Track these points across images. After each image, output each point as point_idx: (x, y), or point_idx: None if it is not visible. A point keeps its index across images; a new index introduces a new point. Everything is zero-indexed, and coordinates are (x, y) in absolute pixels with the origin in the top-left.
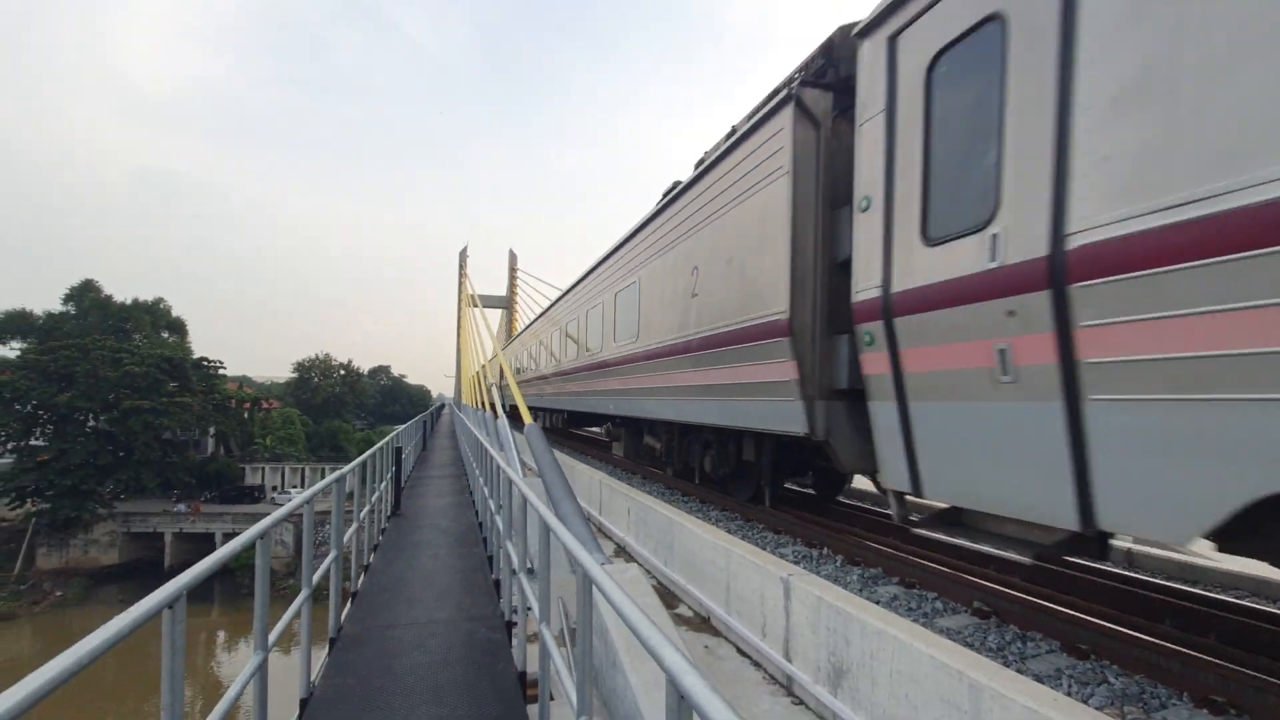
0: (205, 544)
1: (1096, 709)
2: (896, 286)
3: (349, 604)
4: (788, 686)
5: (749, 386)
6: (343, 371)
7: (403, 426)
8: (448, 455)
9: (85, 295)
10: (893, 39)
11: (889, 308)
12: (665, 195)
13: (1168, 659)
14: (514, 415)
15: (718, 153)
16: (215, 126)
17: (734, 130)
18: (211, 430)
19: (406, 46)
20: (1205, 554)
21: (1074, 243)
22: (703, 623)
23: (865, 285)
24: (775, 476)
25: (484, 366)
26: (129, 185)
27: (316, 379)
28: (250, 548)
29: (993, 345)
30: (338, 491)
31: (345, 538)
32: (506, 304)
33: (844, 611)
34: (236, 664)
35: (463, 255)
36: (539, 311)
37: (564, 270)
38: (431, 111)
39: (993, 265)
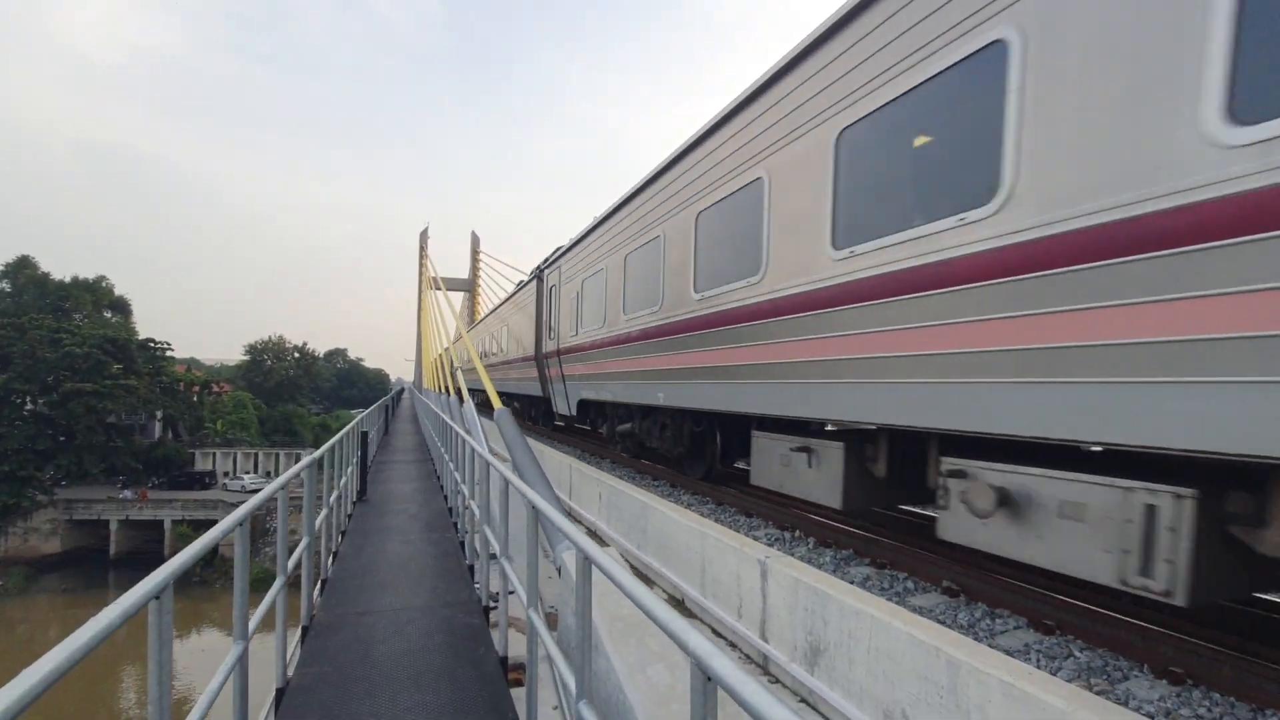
0: (153, 532)
1: (1064, 681)
2: (561, 346)
3: (319, 591)
4: (764, 666)
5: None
6: (297, 354)
7: (365, 411)
8: (411, 440)
9: (21, 272)
10: (541, 272)
11: (559, 350)
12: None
13: (1129, 633)
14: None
15: (515, 289)
16: (166, 98)
17: (521, 283)
18: (159, 414)
19: (372, 21)
20: None
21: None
22: (677, 605)
23: (549, 343)
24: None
25: (447, 350)
26: (71, 157)
27: (270, 362)
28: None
29: (580, 364)
30: (309, 477)
31: (316, 523)
32: (469, 287)
33: (822, 592)
34: (189, 649)
35: (423, 236)
36: (505, 295)
37: (528, 253)
38: (397, 90)
39: (559, 346)
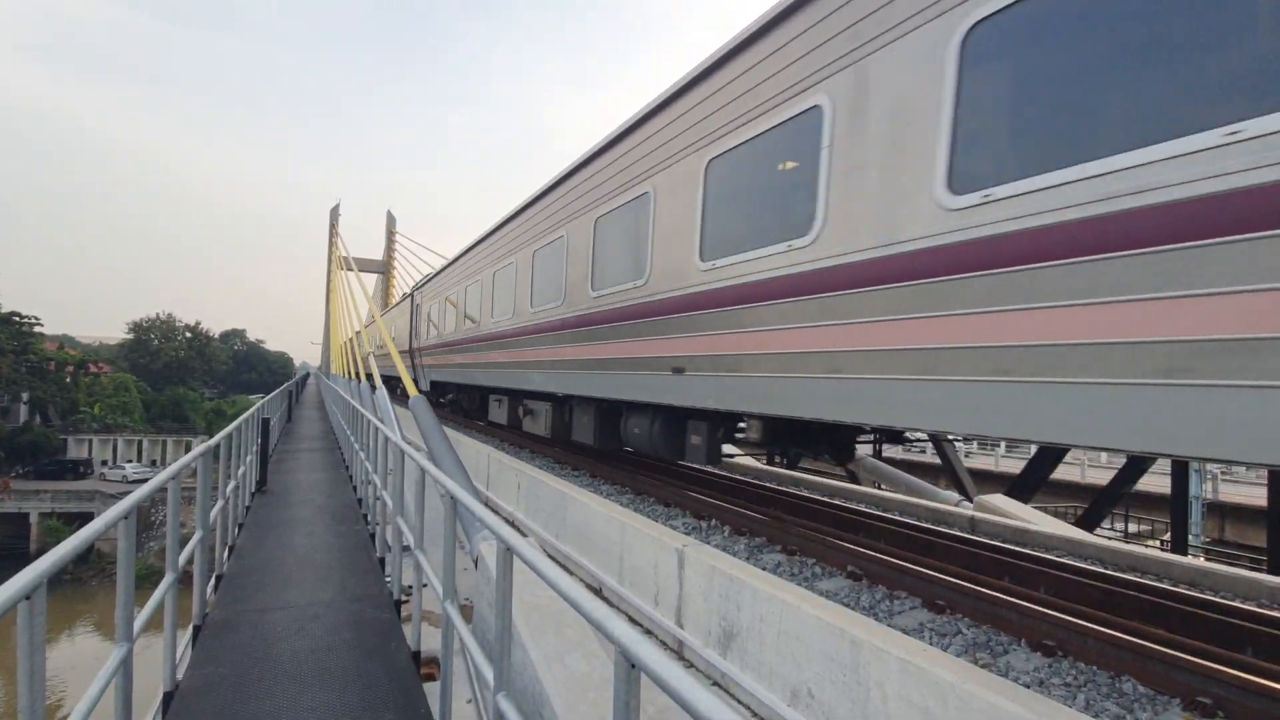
0: (17, 525)
1: (953, 657)
2: (421, 345)
3: (214, 588)
4: (679, 651)
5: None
6: (189, 334)
7: (266, 397)
8: (317, 428)
9: None
10: (415, 292)
11: (420, 347)
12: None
13: (1008, 611)
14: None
15: (401, 299)
16: (37, 43)
17: (401, 298)
18: (25, 396)
19: None
20: (1031, 520)
21: (422, 344)
22: (595, 593)
23: (415, 342)
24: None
25: (358, 333)
26: None
27: (157, 341)
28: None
29: (430, 358)
30: (204, 466)
31: (211, 515)
32: (384, 269)
33: (736, 579)
34: (59, 651)
35: (334, 213)
36: (408, 289)
37: (448, 238)
38: (313, 59)
39: (420, 345)
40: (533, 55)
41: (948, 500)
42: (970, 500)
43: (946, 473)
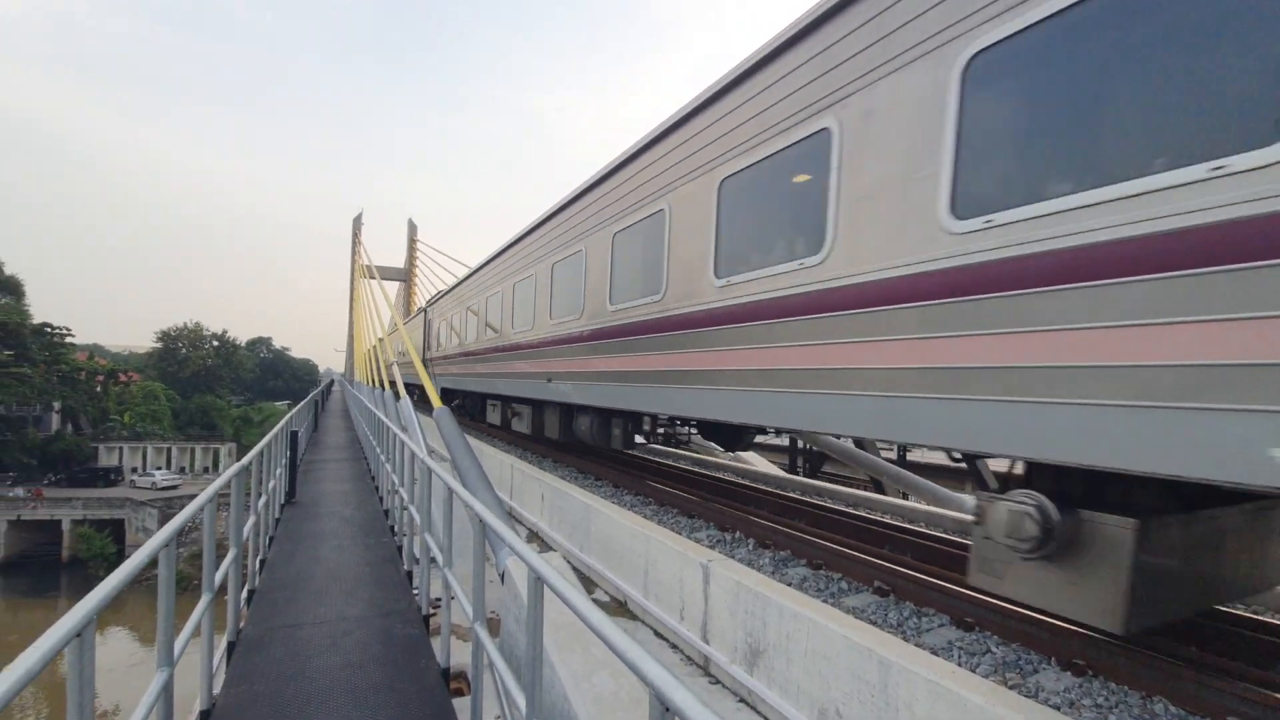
0: (49, 533)
1: (983, 677)
2: (433, 355)
3: (246, 603)
4: (704, 667)
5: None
6: (216, 342)
7: (293, 410)
8: (342, 437)
9: None
10: (428, 308)
11: (433, 358)
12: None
13: (1038, 629)
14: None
15: (416, 313)
16: (65, 60)
17: (421, 308)
18: (57, 405)
19: None
20: None
21: (434, 355)
22: (620, 607)
23: (428, 352)
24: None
25: (381, 340)
26: None
27: (185, 350)
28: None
29: (440, 367)
30: (236, 485)
31: (244, 531)
32: (405, 276)
33: (762, 595)
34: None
35: (357, 223)
36: (435, 294)
37: (467, 243)
38: (331, 65)
39: (433, 355)
40: (546, 62)
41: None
42: None
43: (972, 476)
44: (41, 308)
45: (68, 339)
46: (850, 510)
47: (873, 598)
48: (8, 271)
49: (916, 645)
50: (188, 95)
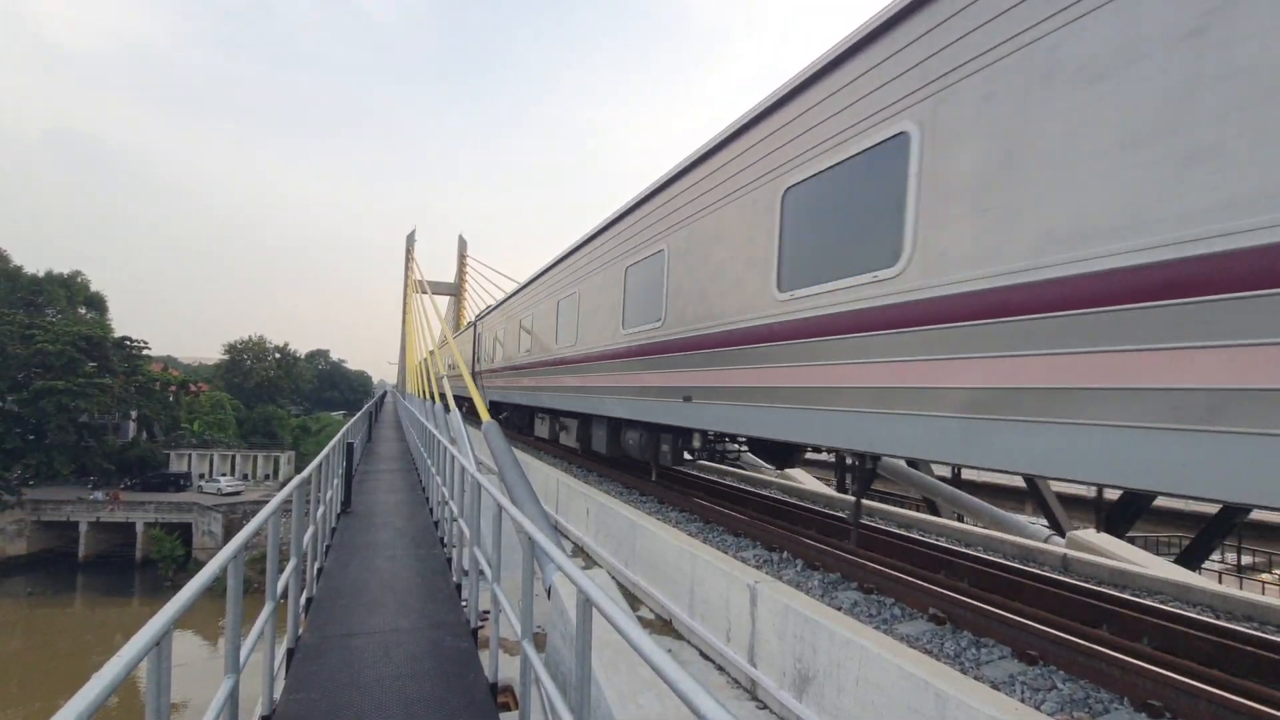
0: (125, 534)
1: (1049, 715)
2: (483, 368)
3: (304, 611)
4: (752, 691)
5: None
6: (278, 355)
7: (349, 421)
8: (394, 448)
9: None
10: (477, 322)
11: (482, 370)
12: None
13: (1109, 665)
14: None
15: (464, 330)
16: (144, 90)
17: (470, 322)
18: (133, 414)
19: (356, 14)
20: (1132, 560)
21: (483, 368)
22: (665, 625)
23: (477, 365)
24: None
25: (432, 353)
26: (44, 147)
27: (249, 361)
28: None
29: (488, 379)
30: (298, 496)
31: (304, 541)
32: (455, 291)
33: (812, 620)
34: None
35: (410, 239)
36: (486, 307)
37: (515, 259)
38: (384, 89)
39: (482, 367)
40: (596, 79)
41: (1036, 535)
42: (1062, 535)
43: (1033, 499)
44: (121, 321)
45: (144, 351)
46: (903, 533)
47: (928, 625)
48: (93, 288)
49: (975, 678)
50: (255, 122)
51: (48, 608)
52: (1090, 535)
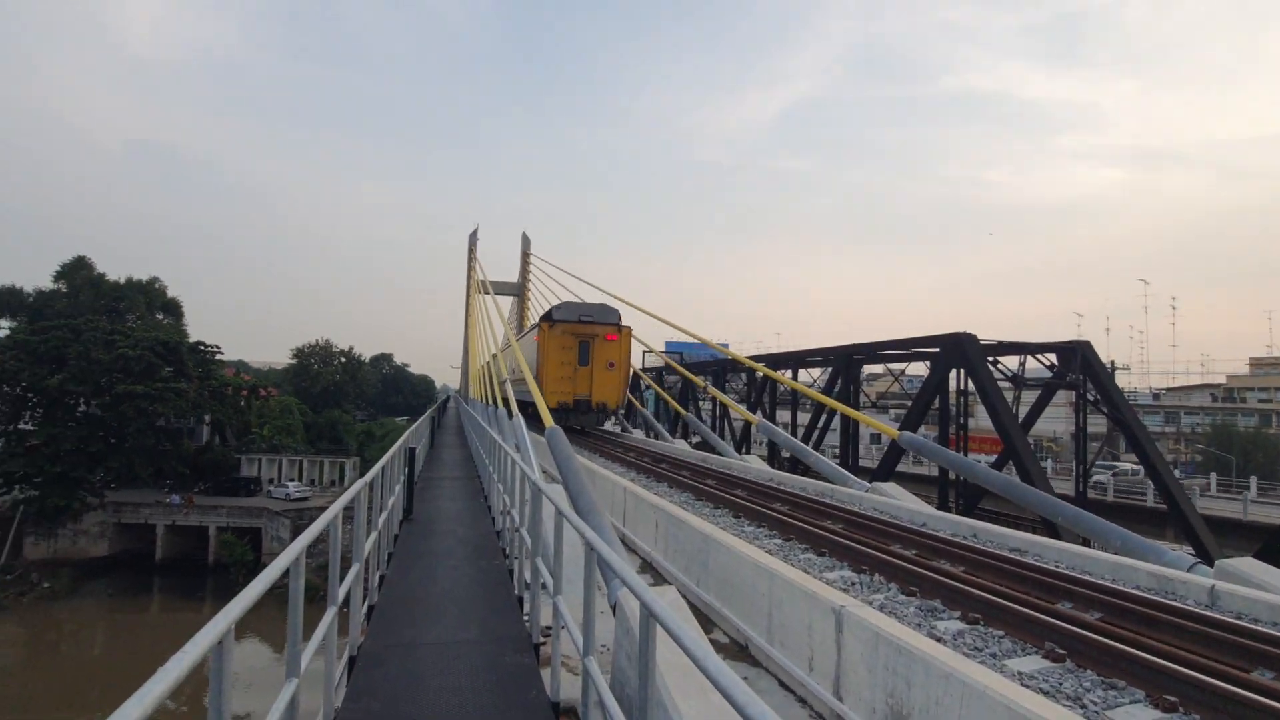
0: (198, 538)
1: None
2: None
3: (365, 618)
4: None
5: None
6: (343, 359)
7: (411, 427)
8: (457, 454)
9: (77, 273)
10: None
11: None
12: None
13: (1265, 716)
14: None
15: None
16: (216, 97)
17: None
18: (207, 418)
19: (424, 15)
20: None
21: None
22: (740, 650)
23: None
24: None
25: (495, 357)
26: (123, 157)
27: (316, 366)
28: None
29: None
30: (360, 501)
31: (365, 547)
32: (519, 291)
33: (907, 650)
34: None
35: (473, 238)
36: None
37: (581, 256)
38: (447, 86)
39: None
40: (664, 65)
41: (1177, 564)
42: (1209, 564)
43: (1175, 522)
44: (195, 327)
45: (217, 356)
46: (1015, 557)
47: (1044, 662)
48: (169, 294)
49: None
50: (318, 125)
51: (125, 611)
52: (1244, 564)
